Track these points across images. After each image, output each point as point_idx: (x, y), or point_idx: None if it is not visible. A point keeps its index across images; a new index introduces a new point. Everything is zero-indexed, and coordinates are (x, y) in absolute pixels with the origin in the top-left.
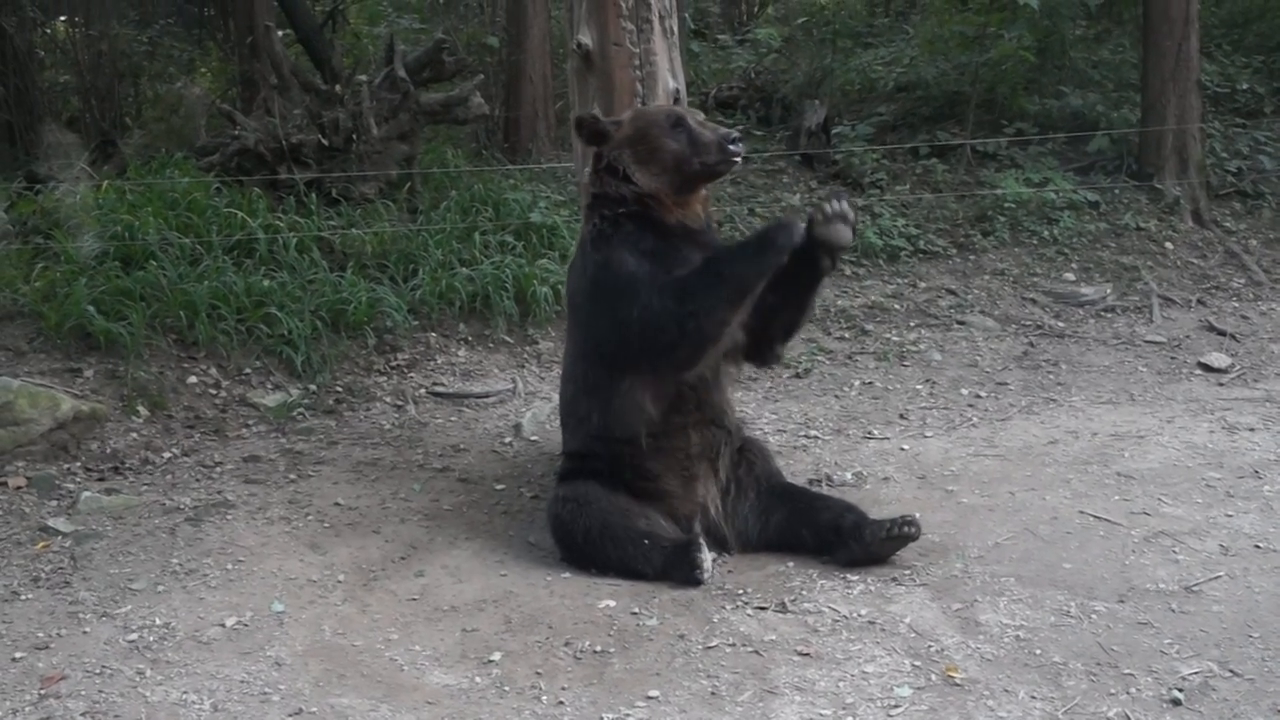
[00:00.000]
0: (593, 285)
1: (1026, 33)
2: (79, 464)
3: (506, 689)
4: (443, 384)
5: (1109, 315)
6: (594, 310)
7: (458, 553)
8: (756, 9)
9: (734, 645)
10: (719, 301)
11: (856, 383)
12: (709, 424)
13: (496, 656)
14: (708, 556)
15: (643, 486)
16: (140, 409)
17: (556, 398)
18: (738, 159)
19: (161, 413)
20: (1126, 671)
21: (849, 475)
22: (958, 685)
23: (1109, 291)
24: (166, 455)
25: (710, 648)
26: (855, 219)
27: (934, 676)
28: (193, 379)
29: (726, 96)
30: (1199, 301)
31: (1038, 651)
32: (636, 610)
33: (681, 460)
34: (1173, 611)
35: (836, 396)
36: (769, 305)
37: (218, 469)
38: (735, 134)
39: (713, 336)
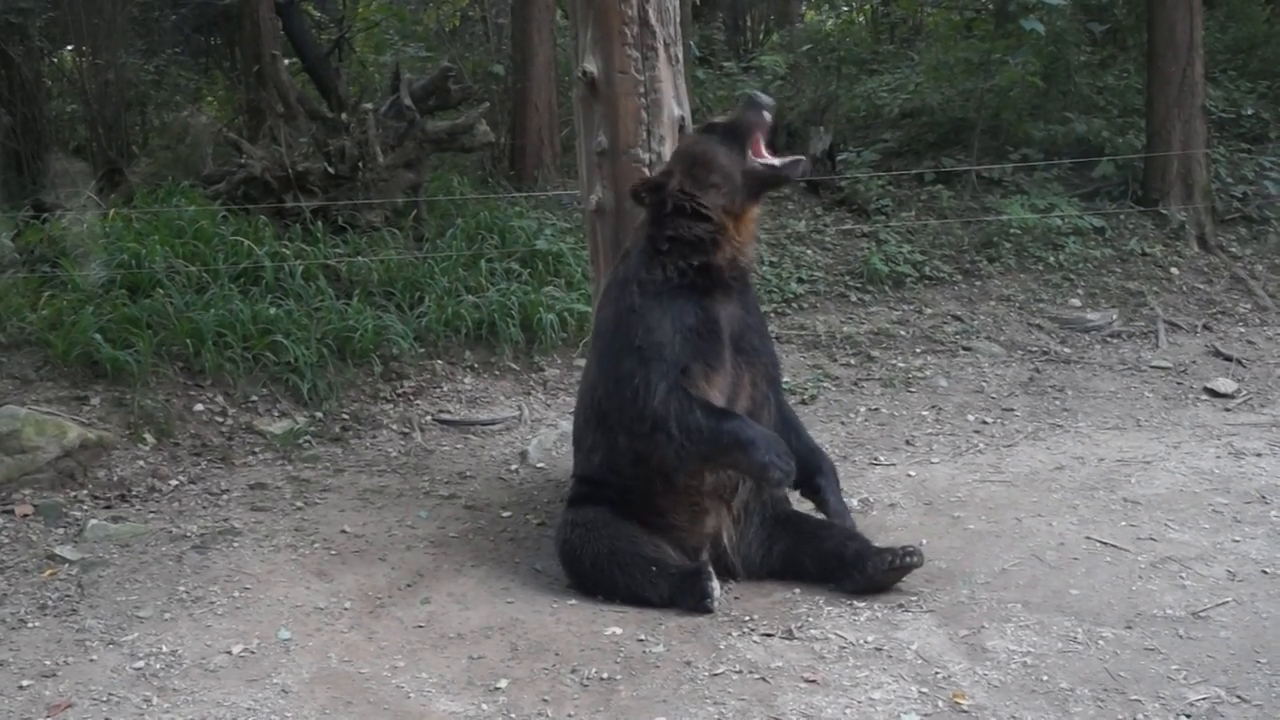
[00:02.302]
0: (616, 323)
1: (1031, 59)
2: (86, 492)
3: (513, 716)
4: (449, 411)
5: (1115, 341)
6: (609, 349)
7: (464, 580)
8: (761, 36)
9: (740, 672)
10: (700, 455)
11: (862, 409)
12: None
13: (503, 684)
14: (716, 585)
15: (651, 520)
16: (147, 437)
17: (563, 424)
18: (802, 165)
19: (168, 440)
20: (1134, 698)
21: (855, 502)
22: (965, 712)
23: (1115, 317)
24: (173, 483)
25: (717, 675)
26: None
27: (941, 703)
28: (199, 407)
29: None
30: (1205, 327)
31: (1045, 678)
32: (643, 637)
33: (693, 497)
34: (1180, 637)
35: (843, 423)
36: None
37: (224, 496)
38: (762, 97)
39: (667, 465)
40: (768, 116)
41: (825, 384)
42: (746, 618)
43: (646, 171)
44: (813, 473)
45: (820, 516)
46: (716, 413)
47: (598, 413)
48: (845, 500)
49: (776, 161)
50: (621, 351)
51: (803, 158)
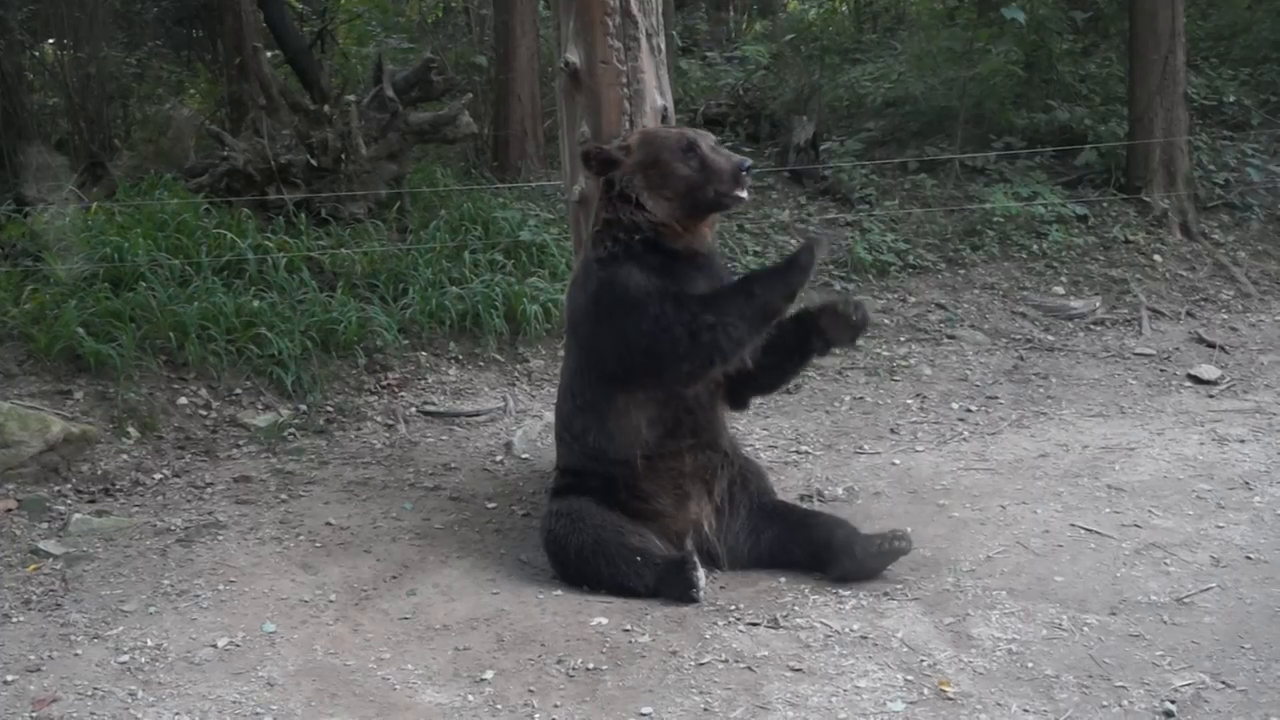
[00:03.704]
0: (595, 303)
1: (1014, 47)
2: (70, 486)
3: (499, 707)
4: (433, 403)
5: (1098, 328)
6: (595, 327)
7: (449, 571)
8: (744, 26)
9: (726, 661)
10: (745, 319)
11: (847, 398)
12: (705, 447)
13: (489, 675)
14: (702, 574)
15: (636, 506)
16: (131, 430)
17: (547, 415)
18: (745, 193)
19: (152, 434)
20: (1119, 684)
21: (840, 490)
22: (950, 699)
23: (1098, 304)
24: (157, 476)
25: (702, 664)
26: (865, 327)
27: (926, 691)
28: (183, 400)
29: (715, 113)
30: (1188, 314)
31: (1030, 665)
32: (629, 627)
33: (675, 479)
34: (1164, 623)
35: (827, 412)
36: (758, 362)
37: (208, 490)
38: (748, 163)
39: (727, 352)
40: (742, 194)
41: (810, 373)
42: (732, 607)
43: None
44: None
45: (806, 506)
46: (736, 288)
47: (591, 397)
48: (831, 488)
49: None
50: (613, 318)
51: (748, 175)
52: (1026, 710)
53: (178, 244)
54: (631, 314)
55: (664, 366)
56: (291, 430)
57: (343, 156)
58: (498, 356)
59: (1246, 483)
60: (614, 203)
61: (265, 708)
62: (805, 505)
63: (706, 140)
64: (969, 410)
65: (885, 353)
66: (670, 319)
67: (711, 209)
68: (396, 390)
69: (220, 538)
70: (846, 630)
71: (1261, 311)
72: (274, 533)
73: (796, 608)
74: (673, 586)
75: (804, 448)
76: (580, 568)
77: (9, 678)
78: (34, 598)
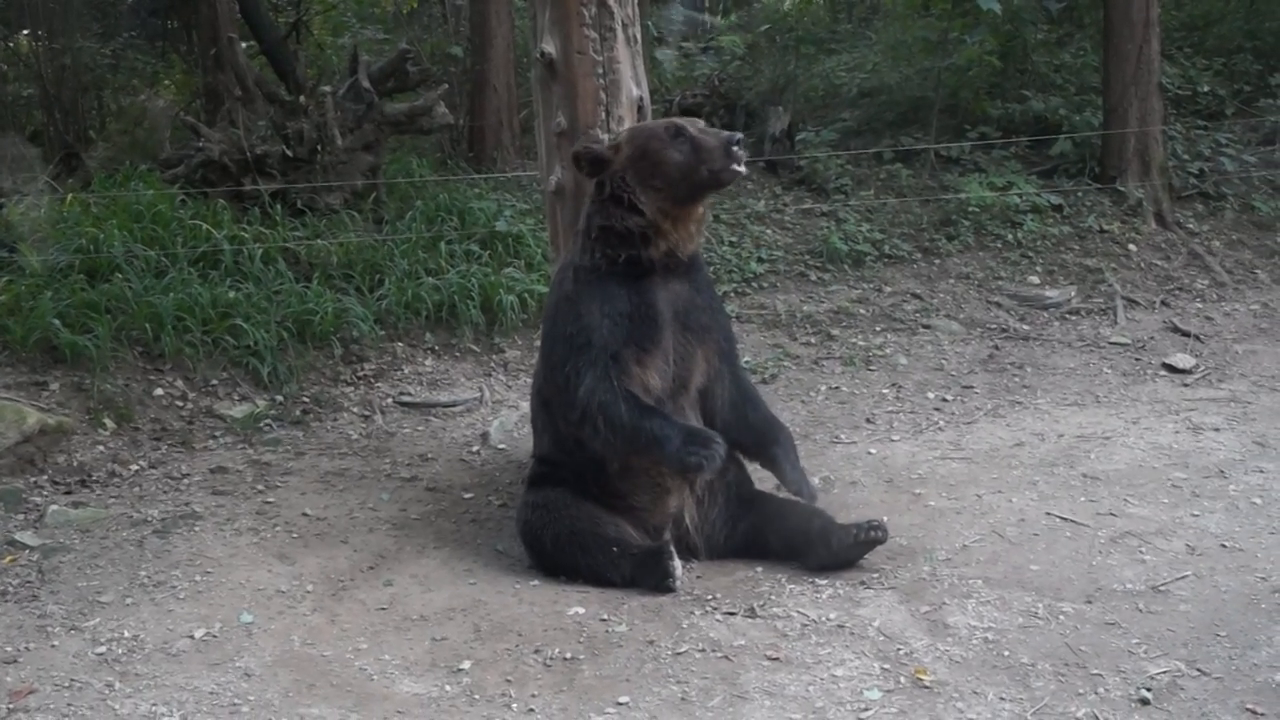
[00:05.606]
0: (555, 308)
1: (989, 37)
2: (46, 477)
3: (476, 697)
4: (410, 393)
5: (1073, 318)
6: (547, 335)
7: (426, 561)
8: (720, 16)
9: (703, 651)
10: (622, 444)
11: (823, 387)
12: None
13: (466, 665)
14: (678, 564)
15: (609, 502)
16: (107, 422)
17: (523, 406)
18: (741, 166)
19: (128, 425)
20: (1095, 672)
21: (816, 480)
22: (926, 687)
23: (1073, 294)
24: (134, 468)
25: (680, 653)
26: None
27: (903, 679)
28: (159, 391)
29: (690, 104)
30: (1163, 303)
31: (1006, 653)
32: (606, 617)
33: (655, 478)
34: (1140, 611)
35: (803, 401)
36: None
37: (185, 481)
38: (738, 136)
39: (593, 449)
40: (739, 168)
41: (786, 363)
42: (709, 596)
43: None
44: (769, 444)
45: (784, 495)
46: (640, 409)
47: (542, 397)
48: (810, 476)
49: (729, 166)
50: (556, 339)
51: (740, 148)
52: (1003, 698)
53: (153, 235)
54: (567, 346)
55: (559, 418)
56: (268, 421)
57: (318, 147)
58: (474, 347)
59: (1221, 471)
60: (606, 206)
61: (243, 698)
62: (782, 495)
63: (694, 124)
64: (945, 400)
65: (861, 342)
66: (575, 394)
67: (708, 188)
68: (373, 381)
69: (197, 529)
70: (823, 619)
71: (1236, 300)
72: (251, 523)
73: (773, 597)
74: (649, 576)
75: None
76: (557, 558)
77: None
78: (10, 589)
